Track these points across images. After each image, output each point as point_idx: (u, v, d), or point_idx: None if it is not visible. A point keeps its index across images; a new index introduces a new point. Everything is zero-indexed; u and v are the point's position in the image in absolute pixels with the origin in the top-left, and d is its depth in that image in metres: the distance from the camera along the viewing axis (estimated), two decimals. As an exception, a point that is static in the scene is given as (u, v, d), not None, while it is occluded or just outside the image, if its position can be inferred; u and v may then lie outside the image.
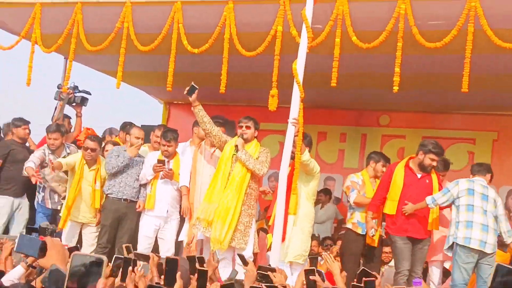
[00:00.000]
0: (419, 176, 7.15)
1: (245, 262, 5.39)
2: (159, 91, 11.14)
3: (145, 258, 4.67)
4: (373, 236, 7.27)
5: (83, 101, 9.02)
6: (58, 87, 8.95)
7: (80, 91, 9.00)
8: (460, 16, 5.61)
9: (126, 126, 8.47)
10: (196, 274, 4.12)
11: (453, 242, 6.71)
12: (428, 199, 6.87)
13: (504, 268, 1.89)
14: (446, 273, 7.66)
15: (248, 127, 6.95)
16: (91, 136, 7.90)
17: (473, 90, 6.15)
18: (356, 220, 7.55)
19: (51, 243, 2.29)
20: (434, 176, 7.20)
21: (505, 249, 8.00)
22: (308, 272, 4.89)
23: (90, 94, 9.08)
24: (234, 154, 6.81)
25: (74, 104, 9.01)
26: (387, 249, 7.92)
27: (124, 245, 5.55)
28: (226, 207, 6.69)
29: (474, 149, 10.09)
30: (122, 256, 4.50)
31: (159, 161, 7.42)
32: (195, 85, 6.87)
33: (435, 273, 7.59)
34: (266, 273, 4.71)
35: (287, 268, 6.70)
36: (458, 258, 6.64)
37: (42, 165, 7.99)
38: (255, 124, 7.02)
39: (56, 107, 8.91)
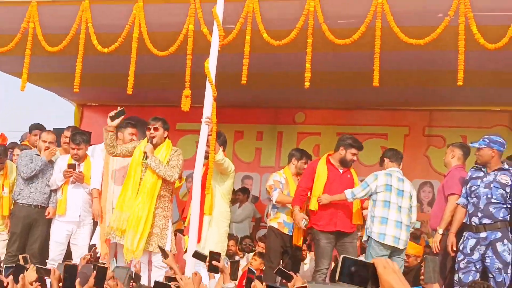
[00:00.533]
0: (341, 171, 7.23)
1: (165, 255, 5.29)
2: (71, 93, 10.85)
3: (46, 272, 4.47)
4: (305, 226, 7.11)
5: None
6: None
7: None
8: (368, 13, 5.70)
9: (34, 129, 8.22)
10: (95, 271, 3.98)
11: (368, 236, 6.85)
12: (348, 194, 6.93)
13: (350, 260, 1.93)
14: None
15: (156, 129, 6.79)
16: None
17: (384, 86, 6.27)
18: (282, 220, 7.49)
19: None
20: (353, 171, 7.32)
21: (417, 241, 8.22)
22: (212, 255, 4.82)
23: None
24: (144, 162, 6.69)
25: None
26: (303, 246, 7.98)
27: (21, 256, 5.38)
28: (137, 216, 6.56)
29: (386, 144, 10.28)
30: (13, 265, 4.31)
31: (69, 166, 7.23)
32: (123, 111, 6.71)
33: None
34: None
35: (204, 269, 6.63)
36: (372, 251, 6.78)
37: None
38: (164, 124, 6.87)
39: None
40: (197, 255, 5.46)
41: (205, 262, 5.25)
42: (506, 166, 6.40)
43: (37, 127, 8.31)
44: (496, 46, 5.57)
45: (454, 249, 6.44)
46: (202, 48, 6.22)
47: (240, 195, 10.31)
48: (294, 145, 10.72)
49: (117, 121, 6.76)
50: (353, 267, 1.92)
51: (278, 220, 7.51)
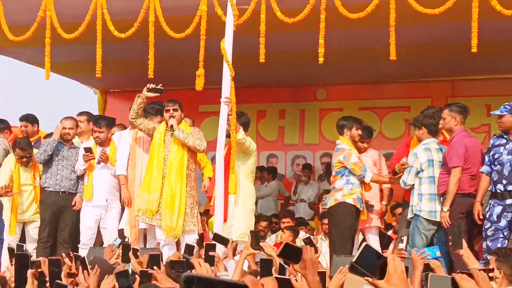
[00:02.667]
0: None
1: (191, 253, 5.34)
2: (94, 80, 10.98)
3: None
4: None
5: None
6: None
7: None
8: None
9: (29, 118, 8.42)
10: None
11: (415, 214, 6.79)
12: (401, 183, 6.94)
13: (371, 250, 2.12)
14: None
15: (175, 110, 6.92)
16: (19, 144, 7.62)
17: (403, 59, 6.26)
18: (357, 196, 7.10)
19: None
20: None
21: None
22: (208, 246, 4.84)
23: None
24: (172, 133, 6.76)
25: None
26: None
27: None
28: (172, 194, 6.67)
29: (409, 117, 10.18)
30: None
31: (86, 149, 7.33)
32: (162, 91, 6.88)
33: (372, 240, 7.63)
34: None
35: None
36: (420, 225, 6.70)
37: None
38: (181, 106, 7.00)
39: None
40: (218, 238, 5.53)
41: (226, 245, 5.31)
42: None
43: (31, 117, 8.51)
44: (513, 13, 5.51)
45: (481, 217, 6.41)
46: (219, 31, 6.26)
47: (266, 174, 10.41)
48: (317, 122, 10.85)
49: (151, 94, 6.90)
50: (371, 257, 2.10)
51: (353, 196, 7.08)
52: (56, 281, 3.54)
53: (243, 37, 6.36)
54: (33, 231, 7.73)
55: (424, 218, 6.72)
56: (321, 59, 5.96)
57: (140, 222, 6.96)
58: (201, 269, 3.51)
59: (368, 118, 9.89)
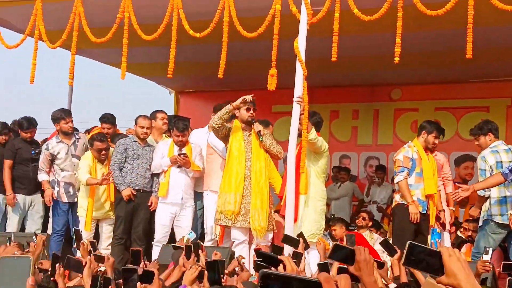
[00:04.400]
0: None
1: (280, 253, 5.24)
2: (168, 81, 11.17)
3: (101, 259, 4.38)
4: None
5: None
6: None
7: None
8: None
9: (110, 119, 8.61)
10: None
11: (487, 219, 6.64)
12: (480, 193, 6.78)
13: (416, 246, 2.00)
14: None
15: (255, 110, 6.92)
16: (97, 137, 7.84)
17: (481, 59, 6.08)
18: (416, 198, 6.99)
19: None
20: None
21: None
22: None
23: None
24: (261, 140, 6.76)
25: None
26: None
27: (89, 240, 5.60)
28: (261, 194, 6.68)
29: (488, 117, 9.90)
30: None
31: (181, 154, 7.38)
32: (254, 104, 6.84)
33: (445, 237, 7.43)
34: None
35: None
36: (489, 228, 6.56)
37: (52, 161, 8.07)
38: None
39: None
40: (288, 240, 5.47)
41: (296, 247, 5.26)
42: None
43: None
44: None
45: None
46: (291, 33, 6.23)
47: (344, 175, 10.30)
48: (391, 123, 10.66)
49: (243, 106, 6.83)
50: (419, 253, 1.99)
51: (413, 198, 6.99)
52: (68, 255, 3.58)
53: (315, 39, 6.32)
54: (107, 228, 7.90)
55: (495, 222, 6.55)
56: (396, 59, 5.83)
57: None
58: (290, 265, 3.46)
59: (444, 119, 9.68)
